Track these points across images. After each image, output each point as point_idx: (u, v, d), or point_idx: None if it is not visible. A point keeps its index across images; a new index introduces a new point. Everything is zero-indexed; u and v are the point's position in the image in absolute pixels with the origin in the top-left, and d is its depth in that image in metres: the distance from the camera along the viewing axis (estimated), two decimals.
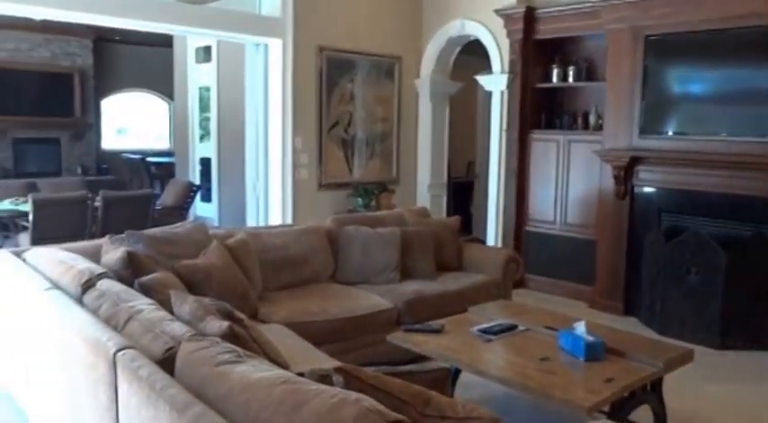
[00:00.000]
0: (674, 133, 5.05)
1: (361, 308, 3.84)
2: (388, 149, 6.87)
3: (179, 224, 3.94)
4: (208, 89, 9.20)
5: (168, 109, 14.13)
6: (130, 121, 14.48)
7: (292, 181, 5.95)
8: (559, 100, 6.14)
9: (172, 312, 2.43)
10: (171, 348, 2.00)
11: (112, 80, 12.70)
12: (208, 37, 7.70)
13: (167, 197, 8.05)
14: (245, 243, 3.80)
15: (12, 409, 3.29)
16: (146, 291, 2.73)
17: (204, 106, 9.36)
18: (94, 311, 2.47)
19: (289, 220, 5.87)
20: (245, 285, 3.56)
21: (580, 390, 2.66)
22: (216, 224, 8.53)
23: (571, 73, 5.87)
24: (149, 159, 12.22)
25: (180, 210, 7.79)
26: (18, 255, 3.36)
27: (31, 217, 6.10)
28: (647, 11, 5.02)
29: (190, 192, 8.05)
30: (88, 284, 2.65)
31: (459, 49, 6.94)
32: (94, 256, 3.22)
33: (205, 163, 9.40)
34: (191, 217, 8.20)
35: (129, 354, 1.95)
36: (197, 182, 8.92)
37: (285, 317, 3.50)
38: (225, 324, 2.13)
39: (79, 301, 2.62)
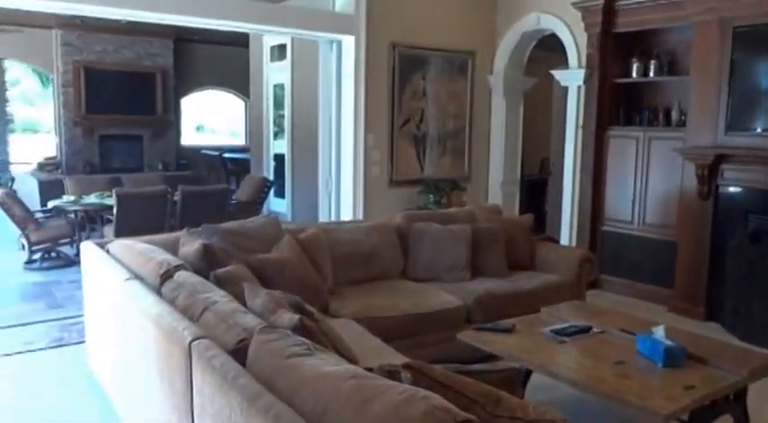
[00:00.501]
0: (764, 130, 4.77)
1: (430, 305, 3.81)
2: (459, 146, 6.80)
3: (253, 219, 4.03)
4: (282, 87, 9.38)
5: (244, 107, 14.50)
6: (208, 119, 14.95)
7: (364, 177, 5.98)
8: (639, 95, 5.91)
9: (245, 304, 2.48)
10: (243, 339, 2.04)
11: (191, 79, 13.14)
12: (283, 35, 7.86)
13: (242, 192, 8.27)
14: (316, 238, 3.85)
15: (99, 396, 3.45)
16: (220, 283, 2.81)
17: (278, 104, 9.56)
18: (172, 302, 2.55)
19: (360, 216, 5.92)
20: (316, 280, 3.60)
21: (657, 396, 2.56)
22: (288, 219, 8.69)
23: (652, 67, 5.64)
24: (226, 155, 12.58)
25: (254, 204, 7.98)
26: (102, 246, 3.52)
27: (115, 210, 6.39)
28: (736, 0, 4.76)
29: (264, 187, 8.23)
30: (166, 275, 2.75)
31: (534, 43, 6.79)
32: (173, 248, 3.34)
33: (279, 159, 9.59)
34: (264, 212, 8.39)
35: (204, 343, 2.01)
36: (271, 178, 9.12)
37: (355, 312, 3.52)
38: (296, 317, 2.16)
39: (158, 291, 2.72)
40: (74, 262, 6.67)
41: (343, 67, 6.00)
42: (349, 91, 5.95)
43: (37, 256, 6.72)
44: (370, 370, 1.77)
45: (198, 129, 15.01)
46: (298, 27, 5.79)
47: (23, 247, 6.77)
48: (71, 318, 4.83)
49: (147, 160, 12.17)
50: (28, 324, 4.77)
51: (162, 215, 6.62)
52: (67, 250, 7.02)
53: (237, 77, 12.07)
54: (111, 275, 3.03)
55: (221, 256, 3.15)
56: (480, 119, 6.91)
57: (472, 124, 6.86)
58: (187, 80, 12.99)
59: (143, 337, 2.55)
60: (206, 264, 3.06)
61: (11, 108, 13.12)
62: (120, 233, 6.24)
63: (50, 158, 12.07)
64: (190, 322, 2.25)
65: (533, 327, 3.26)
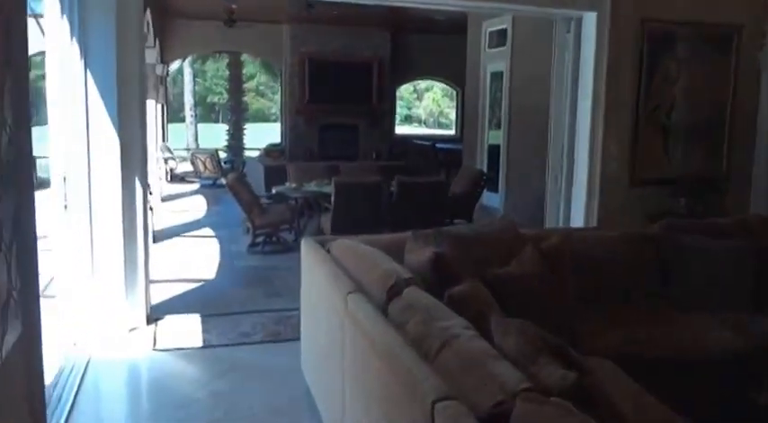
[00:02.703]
0: None
1: (706, 345, 2.99)
2: (717, 140, 5.67)
3: (487, 222, 3.54)
4: (499, 75, 8.81)
5: (456, 96, 14.16)
6: (420, 109, 14.86)
7: (600, 174, 5.18)
8: None
9: (489, 338, 1.96)
10: (501, 402, 1.52)
11: (406, 69, 13.07)
12: (517, 13, 7.32)
13: (457, 184, 7.83)
14: (560, 249, 3.18)
15: (309, 405, 3.18)
16: (455, 304, 2.31)
17: (494, 92, 9.01)
18: (401, 326, 2.12)
19: (593, 221, 5.14)
20: (564, 303, 2.97)
21: None
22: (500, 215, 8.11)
23: None
24: (438, 146, 12.32)
25: (470, 198, 7.53)
26: (323, 244, 3.22)
27: (332, 199, 6.32)
28: None
29: (480, 180, 7.73)
30: (394, 291, 2.32)
31: None
32: (396, 251, 2.93)
33: (492, 151, 9.05)
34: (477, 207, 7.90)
35: (453, 407, 1.50)
36: (484, 170, 8.61)
37: (608, 347, 2.83)
38: (571, 376, 1.59)
39: (383, 309, 2.30)
40: (291, 248, 6.75)
41: (582, 48, 5.24)
42: (587, 76, 5.18)
43: (259, 240, 6.90)
44: None
45: (409, 119, 14.99)
46: (533, 4, 5.16)
47: (248, 230, 6.99)
48: (287, 310, 4.72)
49: (361, 149, 12.33)
50: (247, 313, 4.77)
51: (377, 206, 6.43)
52: (286, 236, 7.13)
53: (451, 66, 11.77)
54: (332, 284, 2.68)
55: (454, 267, 2.67)
56: (745, 106, 5.71)
57: (734, 112, 5.69)
58: (401, 70, 12.94)
59: (365, 368, 2.15)
60: (437, 276, 2.60)
61: (246, 99, 14.19)
62: (336, 221, 6.19)
63: (275, 145, 12.78)
64: (428, 367, 1.76)
65: None
